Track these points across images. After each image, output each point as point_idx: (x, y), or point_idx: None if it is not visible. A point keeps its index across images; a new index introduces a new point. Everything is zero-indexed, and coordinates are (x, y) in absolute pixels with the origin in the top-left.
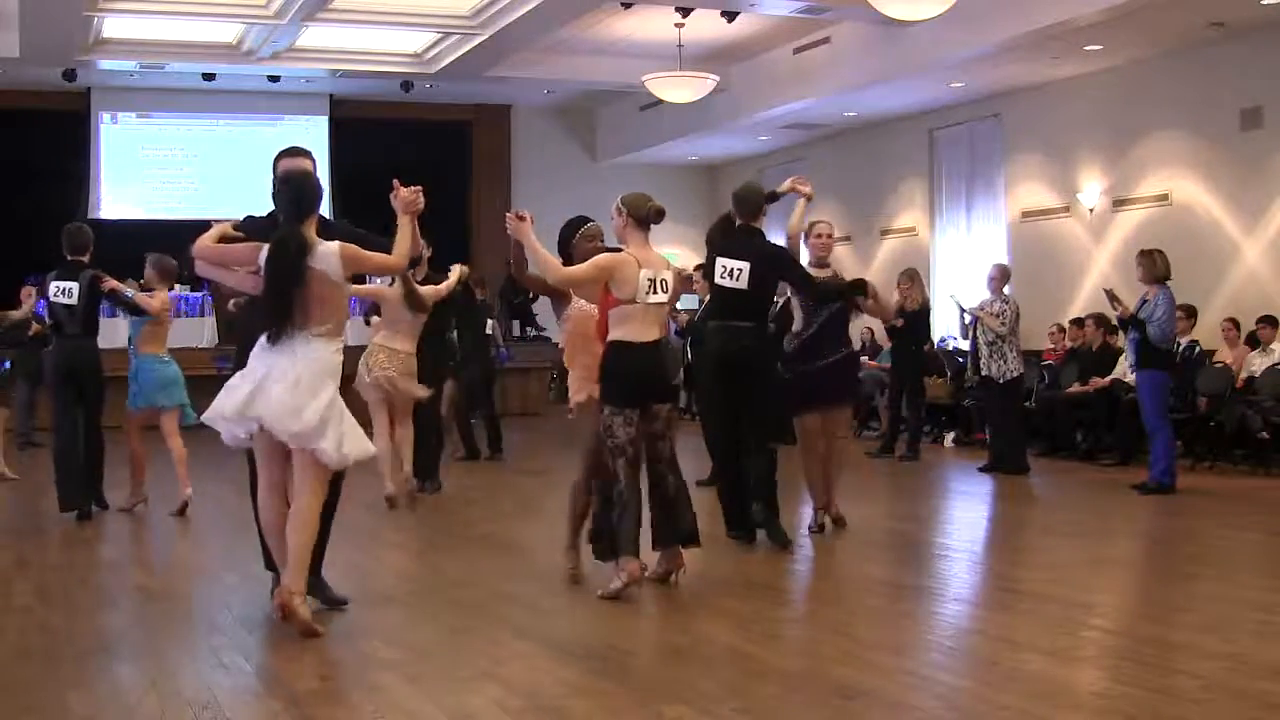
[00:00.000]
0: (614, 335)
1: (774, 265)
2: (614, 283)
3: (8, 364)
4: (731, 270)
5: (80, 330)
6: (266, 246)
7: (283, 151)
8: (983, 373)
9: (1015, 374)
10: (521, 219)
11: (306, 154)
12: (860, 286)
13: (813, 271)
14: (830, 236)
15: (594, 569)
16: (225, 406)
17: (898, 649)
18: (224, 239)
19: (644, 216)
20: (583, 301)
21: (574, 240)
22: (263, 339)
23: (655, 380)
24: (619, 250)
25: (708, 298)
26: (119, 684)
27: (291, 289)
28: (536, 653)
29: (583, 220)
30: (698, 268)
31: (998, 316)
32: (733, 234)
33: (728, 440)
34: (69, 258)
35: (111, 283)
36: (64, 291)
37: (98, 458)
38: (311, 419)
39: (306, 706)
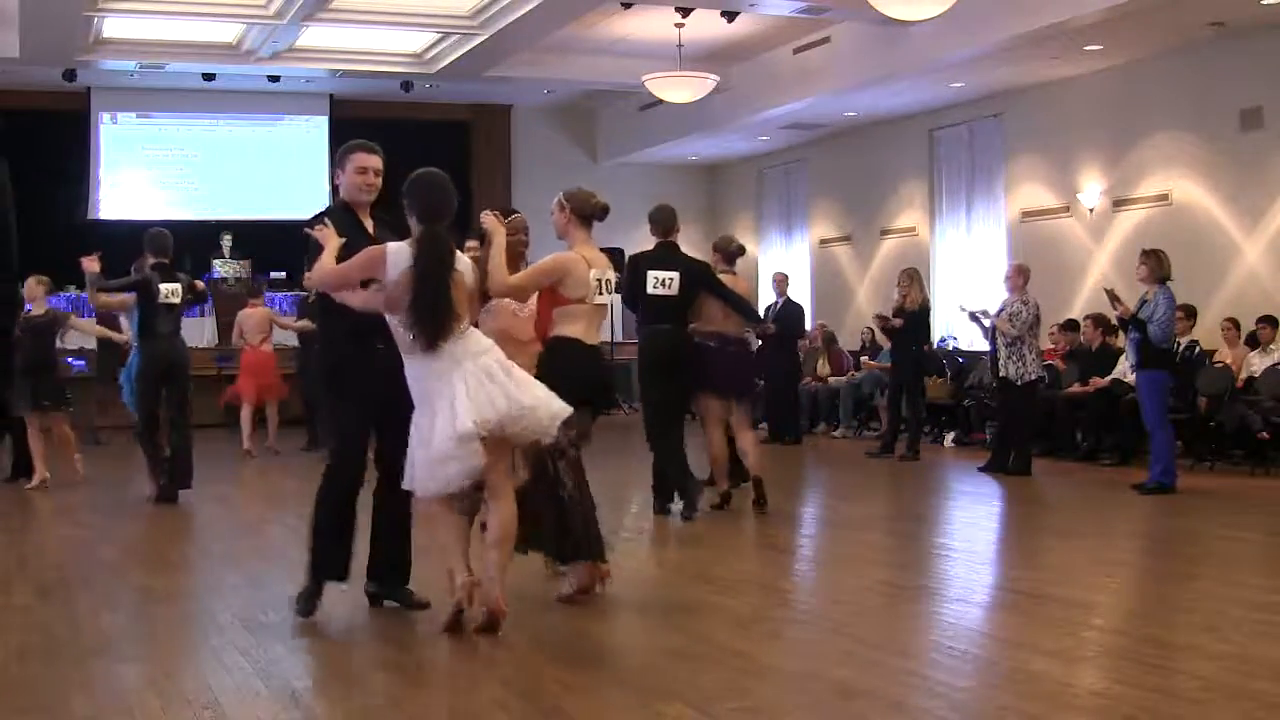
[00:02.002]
0: (561, 332)
1: (698, 277)
2: (565, 284)
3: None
4: (664, 280)
5: (174, 329)
6: (389, 250)
7: (354, 145)
8: (1001, 374)
9: (1033, 376)
10: (499, 221)
11: (377, 150)
12: (759, 320)
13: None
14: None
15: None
16: (452, 448)
17: (898, 649)
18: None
19: (589, 213)
20: (505, 300)
21: None
22: (413, 363)
23: (599, 385)
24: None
25: None
26: (119, 684)
27: (449, 286)
28: (536, 653)
29: (507, 212)
30: None
31: (1011, 319)
32: (658, 250)
33: (660, 428)
34: (155, 260)
35: (201, 284)
36: (173, 292)
37: (190, 449)
38: (541, 398)
39: (306, 706)
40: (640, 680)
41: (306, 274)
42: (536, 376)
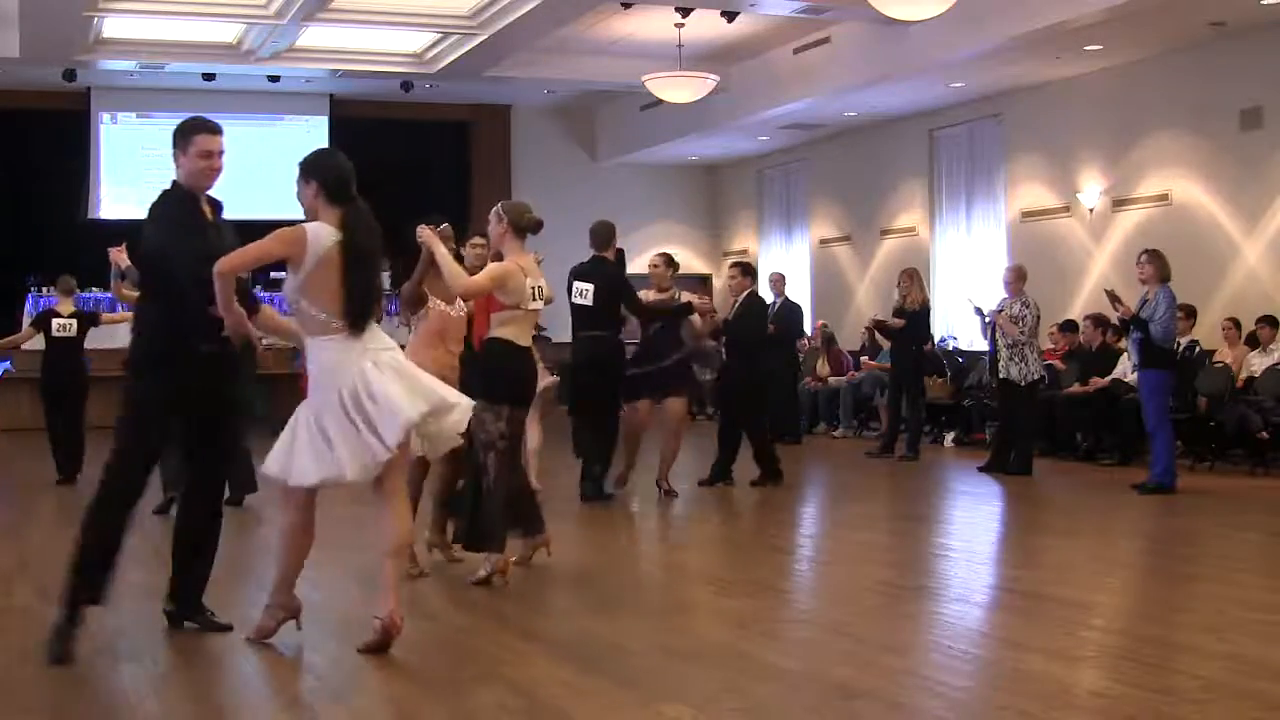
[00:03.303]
0: (496, 334)
1: (613, 289)
2: (504, 290)
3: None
4: (581, 290)
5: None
6: (309, 230)
7: (196, 124)
8: (1002, 375)
9: (1036, 376)
10: (434, 232)
11: (221, 131)
12: (687, 308)
13: (656, 296)
14: (658, 267)
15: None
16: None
17: (898, 649)
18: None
19: (523, 226)
20: (440, 303)
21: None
22: (325, 346)
23: (526, 384)
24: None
25: (742, 297)
26: (119, 684)
27: (377, 269)
28: (536, 653)
29: (436, 222)
30: (734, 265)
31: (1016, 321)
32: (586, 263)
33: (585, 424)
34: None
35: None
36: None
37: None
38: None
39: (306, 706)
40: (640, 680)
41: (219, 265)
42: (468, 374)
